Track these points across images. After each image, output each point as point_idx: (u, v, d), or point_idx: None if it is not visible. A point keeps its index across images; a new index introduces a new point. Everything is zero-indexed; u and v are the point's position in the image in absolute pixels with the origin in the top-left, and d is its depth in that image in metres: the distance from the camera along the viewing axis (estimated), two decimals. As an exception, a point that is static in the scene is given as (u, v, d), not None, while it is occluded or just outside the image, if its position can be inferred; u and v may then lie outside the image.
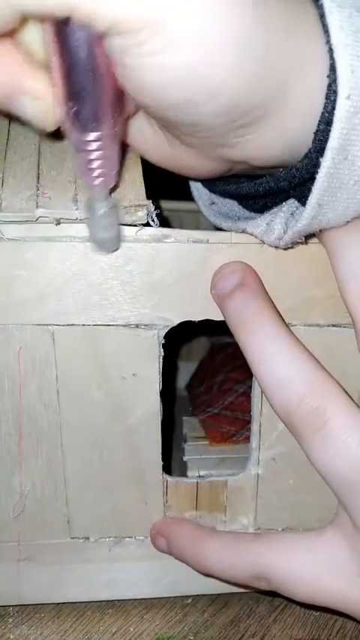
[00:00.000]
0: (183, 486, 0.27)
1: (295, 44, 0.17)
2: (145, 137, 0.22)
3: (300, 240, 0.22)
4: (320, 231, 0.22)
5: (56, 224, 0.21)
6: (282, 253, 0.23)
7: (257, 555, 0.23)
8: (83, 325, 0.23)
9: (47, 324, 0.23)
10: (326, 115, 0.18)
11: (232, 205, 0.26)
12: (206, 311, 0.24)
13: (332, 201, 0.19)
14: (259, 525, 0.27)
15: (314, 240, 0.23)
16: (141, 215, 0.22)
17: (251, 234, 0.23)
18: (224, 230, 0.24)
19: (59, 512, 0.26)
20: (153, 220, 0.22)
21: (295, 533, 0.24)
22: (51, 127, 0.19)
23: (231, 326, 0.23)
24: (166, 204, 0.45)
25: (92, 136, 0.18)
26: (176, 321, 0.24)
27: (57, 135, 0.20)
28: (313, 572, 0.22)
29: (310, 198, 0.19)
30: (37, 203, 0.21)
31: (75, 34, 0.16)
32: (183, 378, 0.45)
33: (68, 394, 0.24)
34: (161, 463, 0.26)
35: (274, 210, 0.22)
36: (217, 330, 0.24)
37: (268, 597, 0.29)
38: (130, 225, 0.22)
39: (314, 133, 0.18)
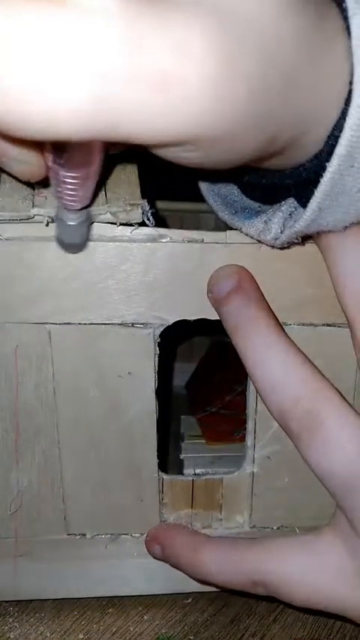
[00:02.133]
0: (179, 484, 0.27)
1: (323, 72, 0.17)
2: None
3: (296, 241, 0.22)
4: (317, 233, 0.22)
5: (51, 222, 0.21)
6: (277, 253, 0.23)
7: (254, 561, 0.23)
8: (79, 324, 0.23)
9: (44, 323, 0.23)
10: (341, 121, 0.18)
11: (231, 189, 0.26)
12: (201, 310, 0.24)
13: (333, 206, 0.19)
14: (254, 523, 0.28)
15: (309, 240, 0.23)
16: (136, 214, 0.22)
17: (247, 234, 0.23)
18: (222, 219, 0.24)
19: (56, 509, 0.26)
20: (149, 219, 0.22)
21: (292, 537, 0.24)
22: (36, 180, 0.19)
23: (227, 329, 0.23)
24: (166, 205, 0.46)
25: (72, 173, 0.18)
26: (171, 320, 0.24)
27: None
28: (310, 576, 0.22)
29: (311, 201, 0.19)
30: (32, 203, 0.21)
31: None
32: (183, 378, 0.45)
33: (64, 392, 0.24)
34: (157, 461, 0.26)
35: (272, 209, 0.22)
36: (217, 330, 0.24)
37: (268, 597, 0.29)
38: (125, 224, 0.22)
39: (327, 137, 0.18)
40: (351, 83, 0.17)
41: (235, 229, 0.23)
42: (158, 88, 0.14)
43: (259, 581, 0.23)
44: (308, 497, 0.26)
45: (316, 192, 0.19)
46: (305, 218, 0.20)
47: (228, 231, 0.23)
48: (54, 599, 0.28)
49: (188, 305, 0.24)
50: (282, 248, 0.23)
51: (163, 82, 0.14)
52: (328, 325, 0.24)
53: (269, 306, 0.23)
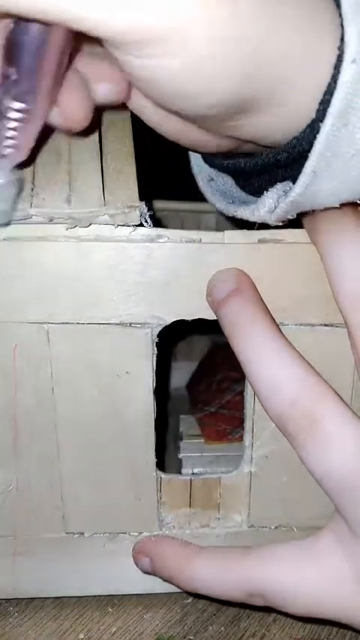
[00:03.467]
0: (177, 483, 0.27)
1: (306, 30, 0.17)
2: (159, 115, 0.22)
3: (292, 217, 0.21)
4: (311, 219, 0.22)
5: (48, 221, 0.21)
6: (274, 253, 0.23)
7: (249, 571, 0.23)
8: (77, 324, 0.23)
9: (42, 323, 0.23)
10: (332, 84, 0.18)
11: (229, 184, 0.26)
12: (199, 310, 0.24)
13: (327, 171, 0.19)
14: (252, 523, 0.28)
15: (306, 239, 0.23)
16: (134, 216, 0.22)
17: (241, 217, 0.23)
18: (219, 210, 0.25)
19: (54, 508, 0.26)
20: (146, 221, 0.22)
21: (288, 543, 0.24)
22: None
23: (225, 331, 0.23)
24: (166, 205, 0.46)
25: (18, 105, 0.18)
26: (169, 320, 0.24)
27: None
28: (309, 586, 0.22)
29: (306, 164, 0.19)
30: (31, 203, 0.21)
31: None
32: (184, 377, 0.46)
33: (63, 392, 0.24)
34: (155, 460, 0.26)
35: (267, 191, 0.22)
36: (217, 330, 0.24)
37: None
38: (123, 225, 0.22)
39: (319, 103, 0.18)
40: (342, 42, 0.17)
41: (232, 220, 0.23)
42: None
43: (256, 592, 0.23)
44: (306, 497, 0.26)
45: (310, 155, 0.19)
46: (300, 184, 0.19)
47: (226, 232, 0.23)
48: (54, 599, 0.28)
49: (186, 305, 0.24)
50: (277, 242, 0.23)
51: None
52: (326, 325, 0.24)
53: (267, 308, 0.23)
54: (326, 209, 0.23)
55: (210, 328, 0.25)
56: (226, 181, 0.27)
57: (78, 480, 0.26)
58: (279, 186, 0.21)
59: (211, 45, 0.16)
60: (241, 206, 0.23)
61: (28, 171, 0.23)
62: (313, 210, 0.21)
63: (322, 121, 0.18)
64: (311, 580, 0.22)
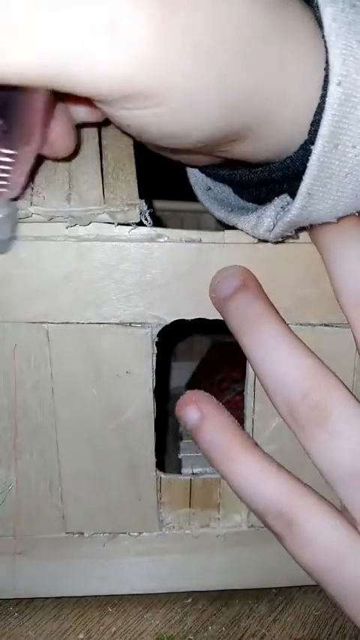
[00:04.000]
0: (176, 483, 0.27)
1: (289, 55, 0.18)
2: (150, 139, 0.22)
3: (290, 234, 0.22)
4: (311, 226, 0.22)
5: (48, 220, 0.21)
6: (275, 253, 0.23)
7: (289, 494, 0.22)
8: (77, 323, 0.23)
9: (42, 322, 0.23)
10: (322, 105, 0.18)
11: (227, 193, 0.26)
12: (199, 310, 0.24)
13: (322, 191, 0.19)
14: (252, 523, 0.28)
15: (307, 239, 0.23)
16: (134, 214, 0.22)
17: (242, 230, 0.23)
18: (218, 219, 0.25)
19: (54, 508, 0.26)
20: (146, 219, 0.22)
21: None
22: None
23: (233, 327, 0.23)
24: (166, 205, 0.46)
25: (8, 150, 0.18)
26: (169, 320, 0.24)
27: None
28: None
29: (300, 186, 0.19)
30: (31, 202, 0.21)
31: None
32: (184, 377, 0.46)
33: (63, 391, 0.24)
34: (155, 460, 0.26)
35: (266, 205, 0.22)
36: (218, 330, 0.24)
37: (268, 597, 0.29)
38: (123, 224, 0.22)
39: (310, 124, 0.19)
40: (327, 64, 0.17)
41: (232, 227, 0.23)
42: (108, 32, 0.14)
43: (283, 517, 0.22)
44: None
45: (304, 177, 0.19)
46: (296, 205, 0.20)
47: (226, 231, 0.23)
48: (54, 600, 0.28)
49: (186, 305, 0.24)
50: (277, 243, 0.23)
51: (113, 27, 0.14)
52: (327, 325, 0.24)
53: (273, 304, 0.23)
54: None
55: (210, 328, 0.25)
56: (224, 190, 0.27)
57: (78, 480, 0.26)
58: (276, 201, 0.22)
59: (194, 94, 0.16)
60: (241, 216, 0.23)
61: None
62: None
63: (313, 143, 0.18)
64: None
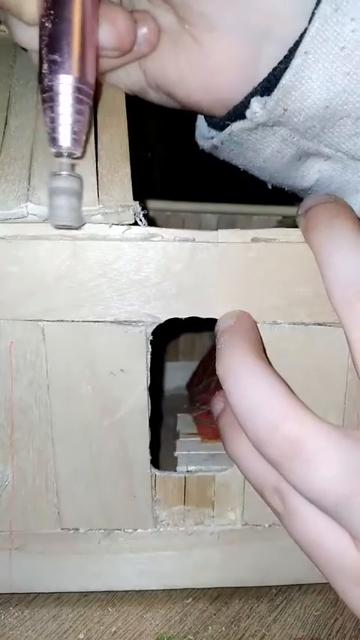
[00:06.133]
0: (171, 481, 0.27)
1: None
2: (181, 68, 0.24)
3: (281, 115, 0.23)
4: (307, 229, 0.22)
5: (44, 220, 0.22)
6: (268, 252, 0.23)
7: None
8: (72, 321, 0.24)
9: (37, 320, 0.24)
10: None
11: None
12: (192, 308, 0.24)
13: (317, 55, 0.20)
14: (246, 521, 0.28)
15: (300, 239, 0.23)
16: (128, 216, 0.22)
17: (237, 130, 0.24)
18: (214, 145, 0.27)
19: (50, 503, 0.27)
20: (140, 220, 0.22)
21: None
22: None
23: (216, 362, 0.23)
24: (167, 205, 0.46)
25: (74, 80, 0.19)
26: (163, 318, 0.24)
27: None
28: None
29: (299, 47, 0.20)
30: (27, 202, 0.22)
31: None
32: (185, 377, 0.46)
33: (58, 388, 0.25)
34: (149, 457, 0.26)
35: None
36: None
37: (268, 597, 0.30)
38: (117, 224, 0.22)
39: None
40: None
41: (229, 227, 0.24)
42: None
43: (278, 494, 0.22)
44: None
45: (304, 38, 0.20)
46: (293, 65, 0.21)
47: (220, 231, 0.23)
48: (54, 600, 0.29)
49: (179, 303, 0.24)
50: (270, 242, 0.23)
51: None
52: (320, 324, 0.24)
53: (258, 339, 0.23)
54: (321, 209, 0.23)
55: (211, 328, 0.25)
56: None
57: (73, 477, 0.26)
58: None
59: None
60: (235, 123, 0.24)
61: (25, 172, 0.23)
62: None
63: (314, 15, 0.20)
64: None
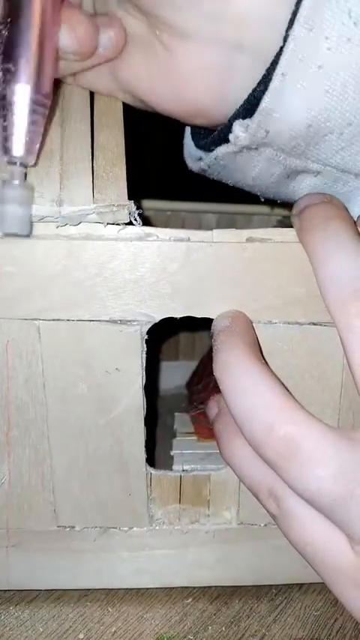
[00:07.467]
0: (166, 479, 0.27)
1: None
2: (152, 78, 0.24)
3: (264, 137, 0.23)
4: (302, 229, 0.22)
5: (39, 220, 0.22)
6: (263, 252, 0.23)
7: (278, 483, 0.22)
8: (68, 320, 0.24)
9: (33, 319, 0.24)
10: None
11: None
12: (187, 308, 0.24)
13: (295, 76, 0.20)
14: (241, 520, 0.28)
15: (294, 239, 0.23)
16: (123, 215, 0.22)
17: (221, 155, 0.25)
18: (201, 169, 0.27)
19: (46, 501, 0.27)
20: (135, 219, 0.23)
21: None
22: None
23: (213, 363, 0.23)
24: (168, 205, 0.46)
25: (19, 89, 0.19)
26: (158, 318, 0.24)
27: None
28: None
29: (276, 69, 0.20)
30: (22, 202, 0.22)
31: None
32: (185, 376, 0.46)
33: (54, 387, 0.25)
34: (145, 456, 0.26)
35: None
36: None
37: (268, 597, 0.30)
38: (112, 224, 0.23)
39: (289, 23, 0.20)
40: None
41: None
42: None
43: (273, 498, 0.22)
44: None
45: (281, 58, 0.20)
46: (271, 87, 0.21)
47: (215, 231, 0.24)
48: (54, 600, 0.29)
49: (174, 303, 0.24)
50: (265, 242, 0.23)
51: None
52: (315, 324, 0.24)
53: (254, 339, 0.23)
54: (315, 210, 0.23)
55: (210, 327, 0.25)
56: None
57: (69, 475, 0.26)
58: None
59: None
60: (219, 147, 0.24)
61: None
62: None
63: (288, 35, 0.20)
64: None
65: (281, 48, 0.21)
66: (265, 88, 0.21)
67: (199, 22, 0.22)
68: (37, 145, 0.21)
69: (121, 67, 0.25)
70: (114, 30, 0.24)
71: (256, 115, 0.22)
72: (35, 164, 0.22)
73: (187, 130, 0.29)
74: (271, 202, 0.31)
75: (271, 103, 0.21)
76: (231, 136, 0.23)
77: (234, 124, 0.23)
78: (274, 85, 0.21)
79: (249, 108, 0.23)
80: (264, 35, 0.21)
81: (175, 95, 0.25)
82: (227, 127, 0.24)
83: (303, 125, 0.22)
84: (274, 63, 0.21)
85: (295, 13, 0.20)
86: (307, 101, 0.21)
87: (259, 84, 0.22)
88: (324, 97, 0.21)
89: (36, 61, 0.20)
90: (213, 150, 0.26)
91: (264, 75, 0.22)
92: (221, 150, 0.25)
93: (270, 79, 0.21)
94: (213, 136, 0.26)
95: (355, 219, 0.24)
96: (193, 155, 0.29)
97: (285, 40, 0.20)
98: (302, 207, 0.24)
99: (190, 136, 0.29)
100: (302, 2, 0.19)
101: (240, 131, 0.23)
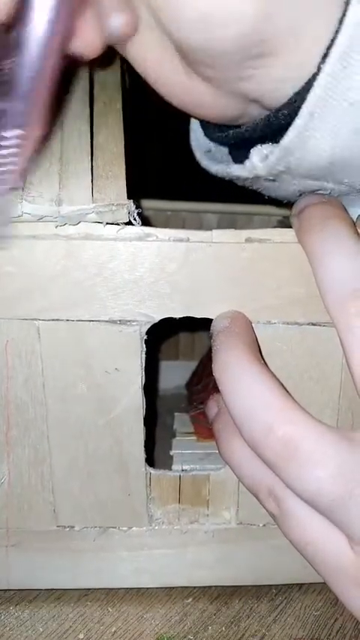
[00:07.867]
0: (166, 479, 0.27)
1: None
2: (164, 70, 0.22)
3: (283, 169, 0.22)
4: (301, 230, 0.22)
5: (38, 219, 0.22)
6: (262, 252, 0.23)
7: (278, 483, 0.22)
8: (67, 320, 0.24)
9: (33, 319, 0.24)
10: (335, 39, 0.18)
11: (225, 154, 0.27)
12: (187, 308, 0.24)
13: (323, 115, 0.19)
14: (241, 520, 0.28)
15: (294, 239, 0.23)
16: (122, 214, 0.22)
17: (235, 175, 0.24)
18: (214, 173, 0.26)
19: (45, 501, 0.27)
20: (135, 219, 0.23)
21: None
22: None
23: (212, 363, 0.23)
24: (168, 205, 0.46)
25: (10, 134, 0.18)
26: (157, 318, 0.24)
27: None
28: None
29: (302, 107, 0.19)
30: (22, 202, 0.22)
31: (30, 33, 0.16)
32: (185, 377, 0.46)
33: (53, 387, 0.25)
34: (144, 456, 0.26)
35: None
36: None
37: (268, 597, 0.30)
38: (111, 223, 0.23)
39: (321, 57, 0.19)
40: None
41: (226, 227, 0.24)
42: None
43: (273, 499, 0.22)
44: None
45: (309, 96, 0.19)
46: (296, 125, 0.20)
47: (214, 231, 0.24)
48: (54, 600, 0.29)
49: (173, 303, 0.24)
50: (264, 242, 0.23)
51: None
52: (314, 324, 0.24)
53: (253, 340, 0.23)
54: (314, 210, 0.23)
55: (210, 327, 0.25)
56: (223, 152, 0.27)
57: (68, 475, 0.26)
58: (265, 145, 0.22)
59: None
60: (235, 165, 0.23)
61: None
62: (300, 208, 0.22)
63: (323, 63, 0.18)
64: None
65: (309, 81, 0.20)
66: (288, 122, 0.20)
67: (221, 76, 0.21)
68: (23, 170, 0.20)
69: (131, 47, 0.23)
70: (127, 16, 0.21)
71: (277, 151, 0.21)
72: (35, 164, 0.22)
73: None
74: (273, 202, 0.31)
75: (293, 142, 0.20)
76: (247, 163, 0.23)
77: (251, 151, 0.22)
78: (299, 122, 0.20)
79: (267, 124, 0.22)
80: (286, 90, 0.20)
81: (184, 102, 0.24)
82: (243, 144, 0.23)
83: (325, 161, 0.21)
84: (302, 98, 0.20)
85: (325, 55, 0.19)
86: (333, 139, 0.20)
87: (281, 107, 0.21)
88: (352, 135, 0.20)
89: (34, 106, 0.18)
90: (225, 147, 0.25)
91: (287, 113, 0.21)
92: (235, 170, 0.24)
93: (295, 111, 0.20)
94: (227, 135, 0.25)
95: (355, 219, 0.24)
96: (202, 146, 0.28)
97: (314, 75, 0.19)
98: (301, 208, 0.24)
99: (198, 123, 0.28)
100: (336, 41, 0.18)
101: (257, 161, 0.22)
